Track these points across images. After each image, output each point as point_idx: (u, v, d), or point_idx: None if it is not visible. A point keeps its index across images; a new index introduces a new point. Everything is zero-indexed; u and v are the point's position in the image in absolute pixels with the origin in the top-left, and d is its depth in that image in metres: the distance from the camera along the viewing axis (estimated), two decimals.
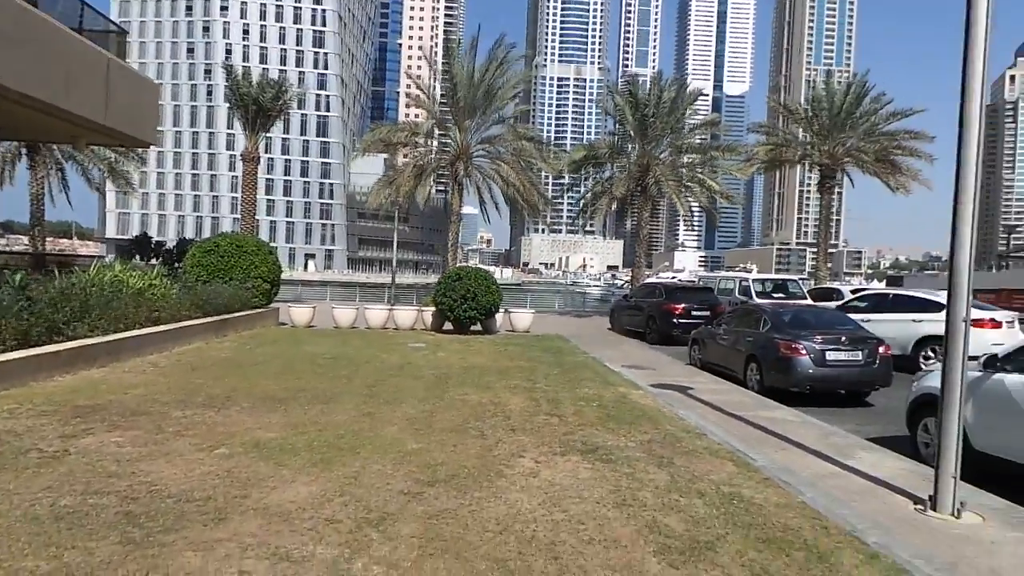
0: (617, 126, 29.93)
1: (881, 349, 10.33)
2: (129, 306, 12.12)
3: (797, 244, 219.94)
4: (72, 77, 13.37)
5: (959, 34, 5.43)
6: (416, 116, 30.48)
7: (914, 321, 14.26)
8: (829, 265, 33.08)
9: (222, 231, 19.62)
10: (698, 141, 30.74)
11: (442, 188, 28.17)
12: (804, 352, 10.17)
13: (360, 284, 44.75)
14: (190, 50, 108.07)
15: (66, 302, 10.33)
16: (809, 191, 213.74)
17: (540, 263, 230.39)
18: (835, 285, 21.63)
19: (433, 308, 18.99)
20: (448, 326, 18.93)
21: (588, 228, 33.96)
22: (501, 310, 19.95)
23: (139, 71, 16.82)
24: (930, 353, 13.87)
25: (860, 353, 10.21)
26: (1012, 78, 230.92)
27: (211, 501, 4.79)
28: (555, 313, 31.68)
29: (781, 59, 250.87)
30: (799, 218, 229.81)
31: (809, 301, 18.84)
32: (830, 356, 10.16)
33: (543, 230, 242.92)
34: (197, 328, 14.08)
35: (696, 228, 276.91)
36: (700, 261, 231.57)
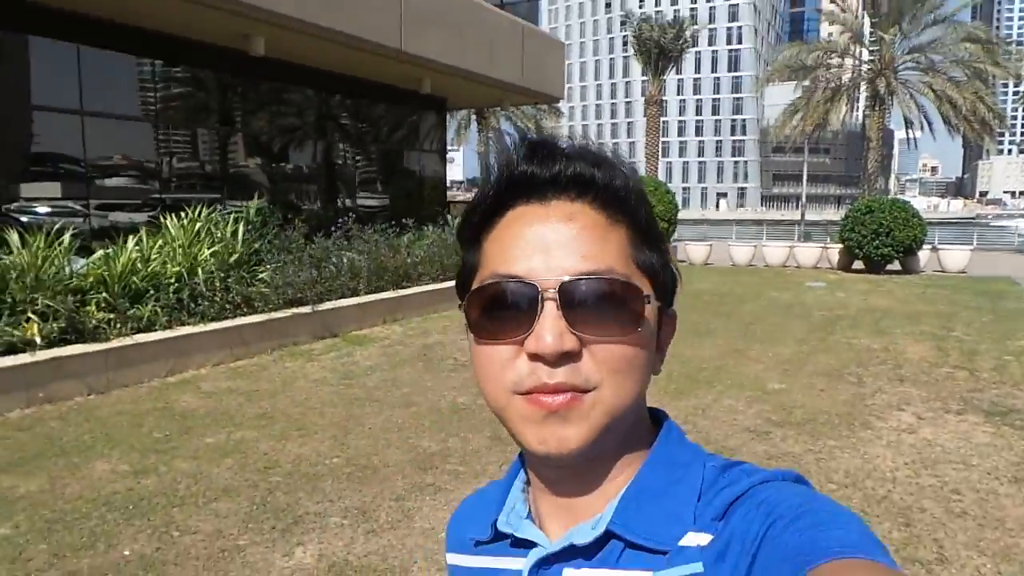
0: None
1: None
2: None
3: None
4: (495, 48, 15.50)
5: None
6: (837, 35, 27.29)
7: None
8: None
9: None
10: None
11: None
12: None
13: (768, 221, 42.80)
14: (607, 4, 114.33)
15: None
16: None
17: (1004, 191, 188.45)
18: None
19: (840, 245, 17.27)
20: (858, 265, 17.04)
21: None
22: (927, 247, 17.14)
23: (550, 33, 18.58)
24: None
25: None
26: None
27: None
28: (1012, 251, 25.86)
29: None
30: None
31: None
32: None
33: (1009, 151, 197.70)
34: None
35: None
36: None
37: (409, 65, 13.34)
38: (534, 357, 0.56)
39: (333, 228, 8.94)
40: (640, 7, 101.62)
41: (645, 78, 30.96)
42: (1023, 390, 6.06)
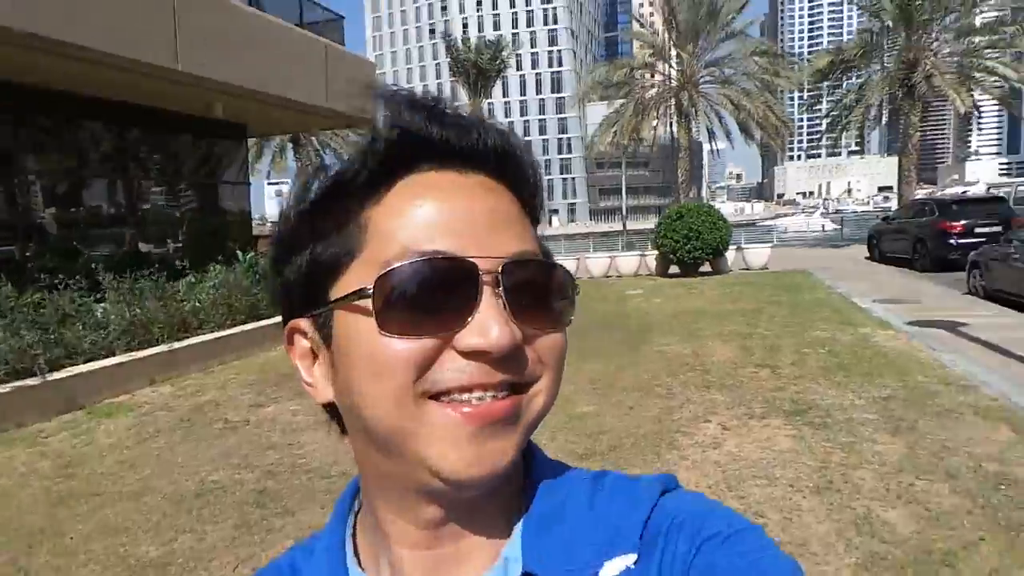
0: (872, 20, 25.33)
1: None
2: None
3: None
4: (294, 68, 14.43)
5: None
6: (642, 54, 28.70)
7: None
8: None
9: None
10: (984, 20, 24.89)
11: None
12: None
13: (595, 234, 44.47)
14: (431, 31, 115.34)
15: None
16: None
17: (797, 193, 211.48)
18: None
19: (656, 252, 17.81)
20: (675, 269, 17.64)
21: (853, 148, 29.72)
22: (733, 247, 18.08)
23: (359, 55, 17.75)
24: None
25: None
26: None
27: (345, 477, 4.51)
28: (805, 246, 28.35)
29: None
30: None
31: None
32: None
33: (798, 156, 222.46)
34: None
35: (994, 128, 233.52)
36: (1001, 169, 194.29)
37: (192, 88, 11.98)
38: (472, 355, 0.46)
39: (77, 278, 7.47)
40: (464, 32, 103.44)
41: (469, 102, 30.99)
42: (819, 383, 6.04)
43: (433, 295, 0.46)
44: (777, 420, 5.10)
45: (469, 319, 0.46)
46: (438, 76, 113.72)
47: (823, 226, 36.96)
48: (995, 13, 25.24)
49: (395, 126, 0.49)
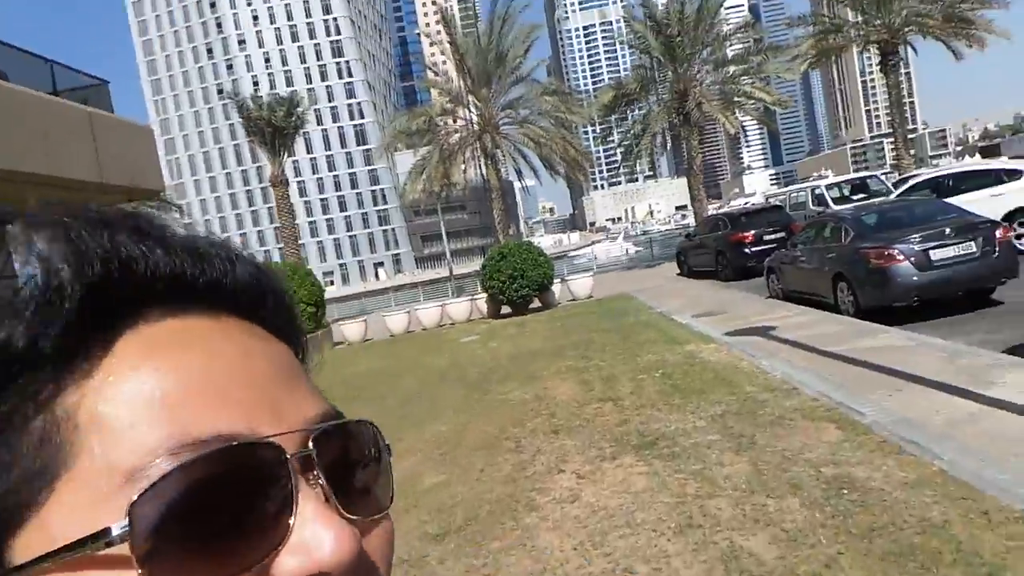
0: (642, 57, 27.72)
1: (998, 233, 8.39)
2: None
3: (872, 138, 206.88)
4: (51, 141, 12.80)
5: None
6: (440, 101, 29.06)
7: (993, 196, 12.02)
8: (912, 152, 29.90)
9: (273, 262, 19.15)
10: (735, 52, 28.14)
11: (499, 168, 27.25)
12: (901, 257, 8.36)
13: (423, 283, 44.24)
14: (219, 91, 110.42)
15: None
16: (872, 78, 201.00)
17: (606, 220, 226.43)
18: (922, 172, 18.94)
19: (486, 295, 17.84)
20: (507, 309, 17.75)
21: (648, 173, 32.04)
22: (557, 280, 18.58)
23: (132, 120, 16.20)
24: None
25: (973, 243, 8.30)
26: None
27: None
28: (622, 269, 30.04)
29: None
30: (867, 110, 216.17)
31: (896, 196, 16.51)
32: (935, 255, 8.30)
33: (602, 186, 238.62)
34: None
35: (759, 143, 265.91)
36: (771, 179, 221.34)
37: None
38: None
39: None
40: (255, 90, 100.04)
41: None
42: (660, 409, 6.10)
43: (225, 510, 0.31)
44: (628, 458, 5.01)
45: (288, 534, 0.32)
46: (233, 138, 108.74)
47: (627, 250, 39.63)
48: (741, 46, 28.62)
49: (105, 256, 0.33)
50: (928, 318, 8.48)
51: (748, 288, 14.20)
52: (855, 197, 17.92)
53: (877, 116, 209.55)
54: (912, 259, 8.34)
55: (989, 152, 36.06)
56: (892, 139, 30.67)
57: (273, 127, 25.20)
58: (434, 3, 33.88)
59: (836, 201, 17.83)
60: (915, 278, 8.32)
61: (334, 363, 14.17)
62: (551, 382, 8.11)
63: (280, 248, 26.75)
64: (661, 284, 19.10)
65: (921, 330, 7.79)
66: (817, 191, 18.86)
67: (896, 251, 8.44)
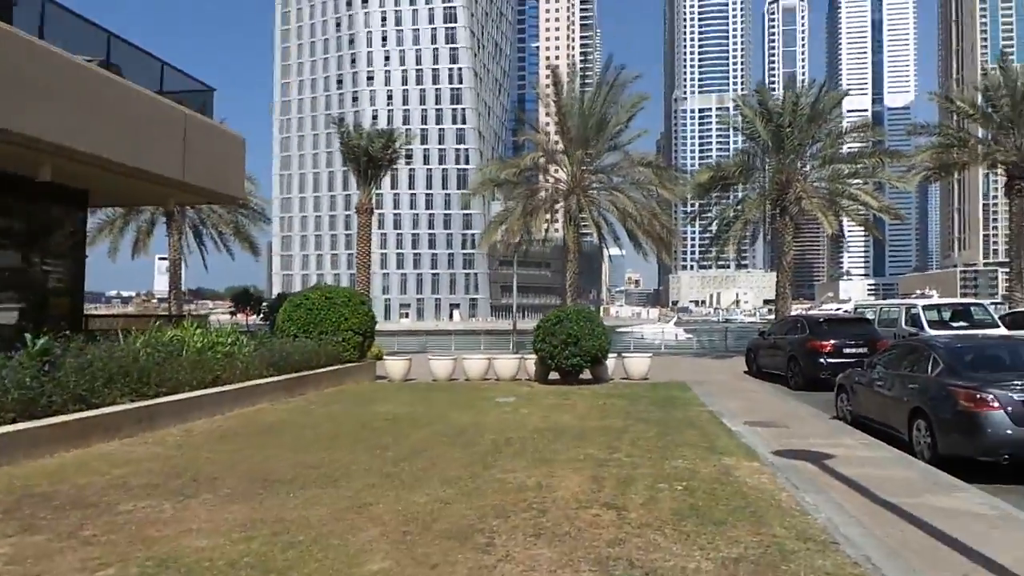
0: (748, 143, 26.81)
1: None
2: (184, 368, 11.24)
3: (985, 265, 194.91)
4: (144, 135, 13.13)
5: None
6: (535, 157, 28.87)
7: None
8: None
9: (329, 285, 19.15)
10: (848, 150, 26.79)
11: (586, 233, 26.79)
12: (996, 404, 7.08)
13: (487, 331, 43.95)
14: (341, 120, 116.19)
15: (102, 367, 9.50)
16: (996, 202, 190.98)
17: (690, 301, 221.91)
18: None
19: (535, 356, 17.03)
20: (555, 375, 16.86)
21: (741, 262, 30.97)
22: (613, 355, 17.58)
23: (226, 128, 16.63)
24: None
25: None
26: None
27: None
28: (691, 355, 28.61)
29: (950, 62, 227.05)
30: (985, 235, 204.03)
31: (1003, 330, 14.80)
32: None
33: (691, 267, 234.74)
34: (266, 387, 13.05)
35: (861, 250, 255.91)
36: (869, 289, 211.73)
37: (8, 144, 10.54)
38: None
39: None
40: (374, 123, 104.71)
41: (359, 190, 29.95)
42: (666, 534, 5.11)
43: None
44: None
45: None
46: (344, 163, 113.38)
47: (676, 335, 38.20)
48: (858, 145, 27.24)
49: None
50: (1017, 481, 7.10)
51: (816, 402, 12.81)
52: (955, 323, 16.22)
53: (995, 243, 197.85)
54: (1009, 408, 7.05)
55: None
56: (1008, 268, 28.27)
57: (368, 156, 25.62)
58: (548, 66, 34.17)
59: (932, 324, 16.16)
60: (1009, 432, 7.01)
61: (361, 399, 13.63)
62: (562, 470, 7.20)
63: (351, 274, 26.98)
64: (724, 380, 17.76)
65: (1006, 495, 6.47)
66: (913, 310, 17.19)
67: (991, 396, 7.16)
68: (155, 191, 15.34)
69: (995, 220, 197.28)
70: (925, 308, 17.01)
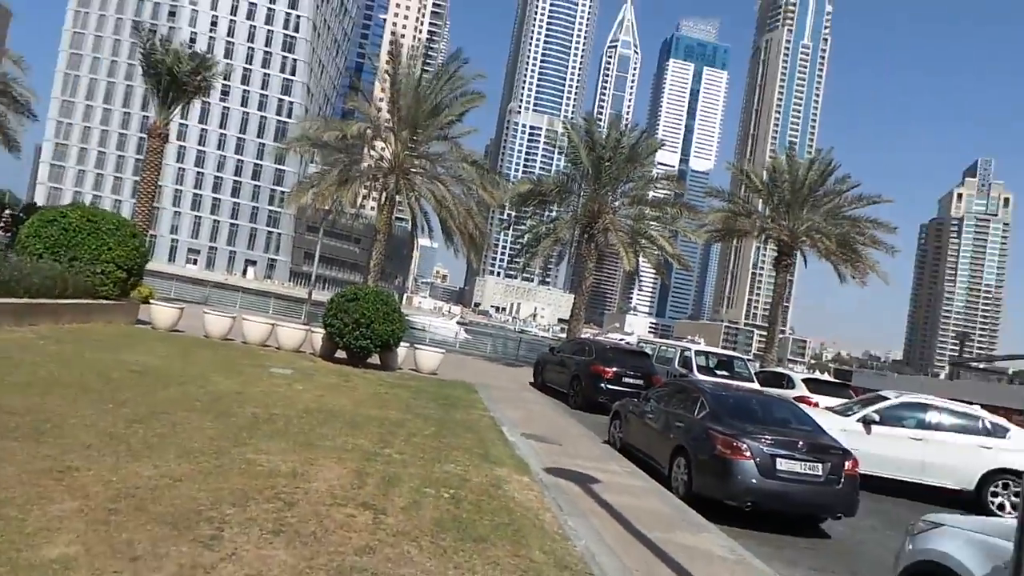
0: (569, 165, 27.71)
1: (847, 464, 7.78)
2: None
3: (745, 324, 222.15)
4: None
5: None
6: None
7: (982, 447, 10.58)
8: (775, 349, 31.11)
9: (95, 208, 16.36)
10: (654, 195, 28.68)
11: (402, 218, 25.71)
12: (748, 454, 7.56)
13: (280, 295, 41.35)
14: (149, 30, 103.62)
15: None
16: (762, 273, 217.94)
17: (492, 306, 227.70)
18: (785, 370, 19.25)
19: (324, 331, 15.98)
20: (343, 354, 15.92)
21: (544, 279, 31.67)
22: (405, 345, 17.03)
23: None
24: (999, 492, 10.44)
25: (820, 466, 7.64)
26: (959, 196, 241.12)
27: None
28: (484, 358, 28.88)
29: (747, 142, 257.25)
30: (749, 299, 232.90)
31: (756, 385, 16.43)
32: (782, 465, 7.55)
33: (498, 273, 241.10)
34: None
35: (650, 291, 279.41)
36: (651, 328, 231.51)
37: None
38: None
39: None
40: (191, 47, 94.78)
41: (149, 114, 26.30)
42: (421, 545, 4.66)
43: None
44: None
45: None
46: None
47: (456, 333, 40.87)
48: (663, 193, 29.31)
49: None
50: (755, 527, 7.64)
51: (591, 424, 13.23)
52: (719, 371, 17.76)
53: (755, 307, 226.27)
54: (759, 460, 7.55)
55: (841, 376, 38.38)
56: (764, 332, 31.96)
57: (173, 76, 22.74)
58: (391, 40, 32.59)
59: (700, 369, 17.59)
60: (754, 481, 7.50)
61: (108, 343, 11.79)
62: (325, 460, 6.51)
63: (134, 204, 23.75)
64: (510, 387, 17.97)
65: (745, 540, 6.88)
66: (686, 352, 18.63)
67: (745, 445, 7.63)
68: None
69: (759, 288, 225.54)
70: (696, 353, 18.53)
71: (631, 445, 10.38)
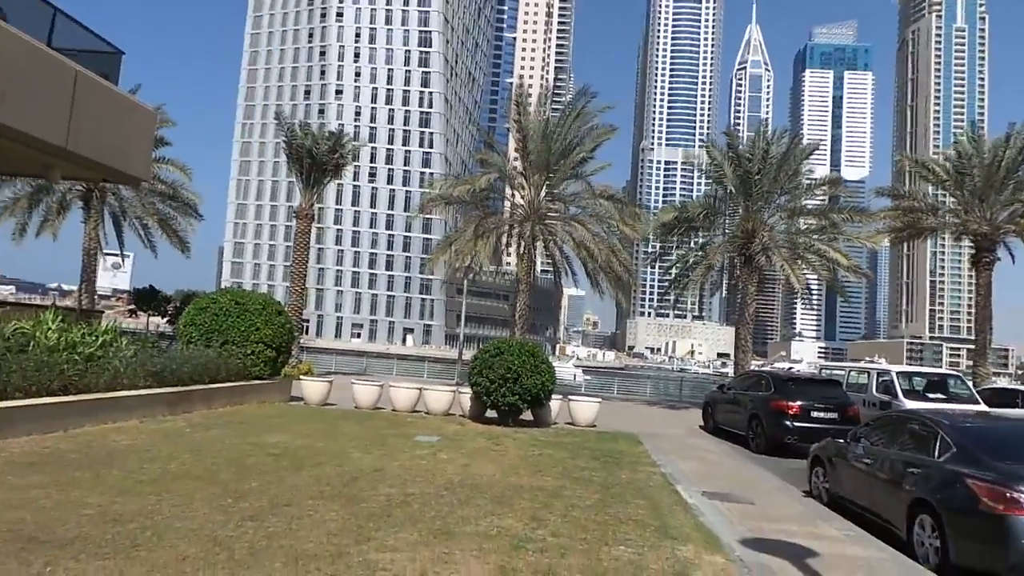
0: (713, 186, 25.63)
1: None
2: (22, 369, 9.02)
3: (931, 338, 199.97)
4: (18, 88, 10.96)
5: None
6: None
7: None
8: (988, 362, 26.44)
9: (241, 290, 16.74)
10: (814, 204, 25.82)
11: (546, 270, 25.50)
12: None
13: (435, 359, 41.79)
14: (288, 119, 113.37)
15: None
16: (943, 279, 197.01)
17: (646, 347, 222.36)
18: (1016, 386, 15.79)
19: (471, 392, 15.07)
20: (493, 413, 14.91)
21: (697, 313, 29.51)
22: (558, 397, 15.74)
23: (131, 97, 14.46)
24: None
25: None
26: None
27: None
28: (643, 402, 26.91)
29: (905, 140, 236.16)
30: (931, 310, 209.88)
31: (984, 407, 13.44)
32: None
33: (649, 313, 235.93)
34: (140, 400, 10.85)
35: (815, 313, 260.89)
36: (820, 352, 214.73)
37: None
38: None
39: None
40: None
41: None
42: None
43: None
44: None
45: None
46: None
47: (574, 376, 39.16)
48: (821, 200, 26.36)
49: None
50: None
51: (782, 471, 11.13)
52: (931, 395, 14.82)
53: (940, 318, 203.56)
54: None
55: None
56: (955, 345, 27.51)
57: (312, 158, 23.63)
58: (519, 87, 32.74)
59: (907, 394, 14.73)
60: None
61: (254, 424, 11.46)
62: (462, 552, 5.27)
63: (286, 286, 24.73)
64: (679, 435, 16.04)
65: None
66: (884, 376, 15.75)
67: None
68: (31, 157, 13.04)
69: (941, 298, 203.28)
70: (899, 375, 15.56)
71: (843, 497, 8.31)
